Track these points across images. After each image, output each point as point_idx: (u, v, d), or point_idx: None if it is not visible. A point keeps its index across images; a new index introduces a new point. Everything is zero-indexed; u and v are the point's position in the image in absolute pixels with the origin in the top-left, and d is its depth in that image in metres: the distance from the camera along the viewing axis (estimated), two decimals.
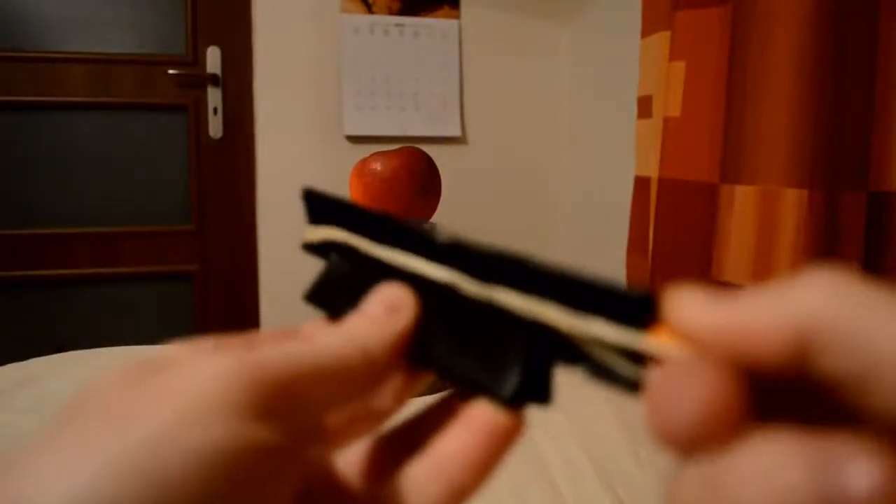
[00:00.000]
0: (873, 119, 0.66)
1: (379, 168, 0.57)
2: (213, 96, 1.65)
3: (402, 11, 1.66)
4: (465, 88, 1.73)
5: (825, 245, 0.67)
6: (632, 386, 0.15)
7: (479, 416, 0.17)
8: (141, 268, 1.67)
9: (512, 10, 1.74)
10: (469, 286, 0.18)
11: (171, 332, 1.77)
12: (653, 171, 0.96)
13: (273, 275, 1.70)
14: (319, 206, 0.22)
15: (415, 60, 1.68)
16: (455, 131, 1.71)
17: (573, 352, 0.16)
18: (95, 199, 1.63)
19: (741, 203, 0.74)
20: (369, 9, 1.65)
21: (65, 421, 0.15)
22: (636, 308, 0.15)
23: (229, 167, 1.69)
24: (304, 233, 0.23)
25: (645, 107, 0.99)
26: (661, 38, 0.92)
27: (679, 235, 0.85)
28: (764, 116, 0.71)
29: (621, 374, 0.15)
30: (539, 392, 0.17)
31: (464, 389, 0.18)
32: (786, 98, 0.69)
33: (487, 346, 0.17)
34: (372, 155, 0.59)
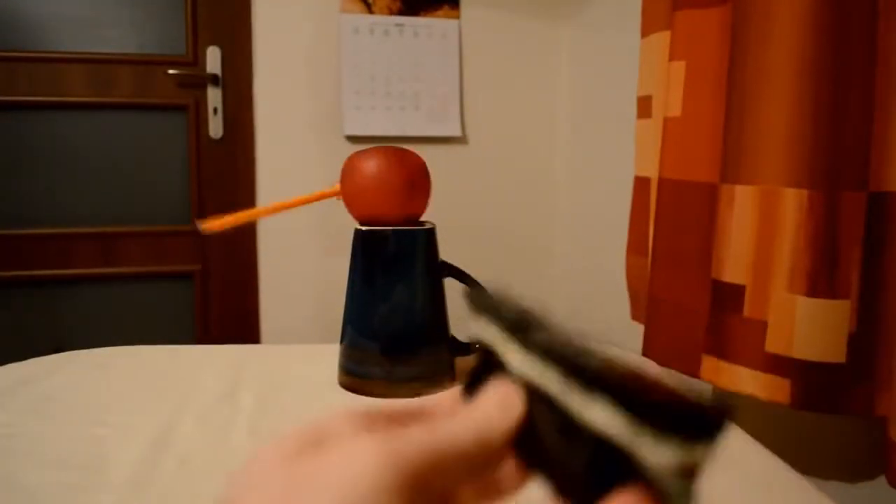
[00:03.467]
0: (873, 119, 0.66)
1: (367, 166, 0.57)
2: (213, 96, 1.65)
3: (402, 11, 1.66)
4: (465, 88, 1.73)
5: (825, 245, 0.67)
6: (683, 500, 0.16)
7: None
8: (141, 268, 1.67)
9: (512, 10, 1.74)
10: (555, 389, 0.19)
11: (171, 332, 1.78)
12: (653, 171, 0.96)
13: (273, 275, 1.70)
14: (477, 303, 0.25)
15: (415, 60, 1.68)
16: (455, 131, 1.71)
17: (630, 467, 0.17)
18: (95, 199, 1.63)
19: (741, 203, 0.74)
20: (369, 9, 1.65)
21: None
22: (705, 428, 0.16)
23: (229, 167, 1.69)
24: (470, 327, 0.25)
25: (645, 107, 0.99)
26: (661, 38, 0.92)
27: (679, 235, 0.85)
28: (764, 116, 0.71)
29: (673, 492, 0.17)
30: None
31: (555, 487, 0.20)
32: (786, 98, 0.69)
33: (565, 453, 0.19)
34: (357, 153, 0.59)
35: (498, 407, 0.21)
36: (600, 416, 0.18)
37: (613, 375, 0.18)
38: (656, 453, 0.17)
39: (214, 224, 0.60)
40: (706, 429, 0.16)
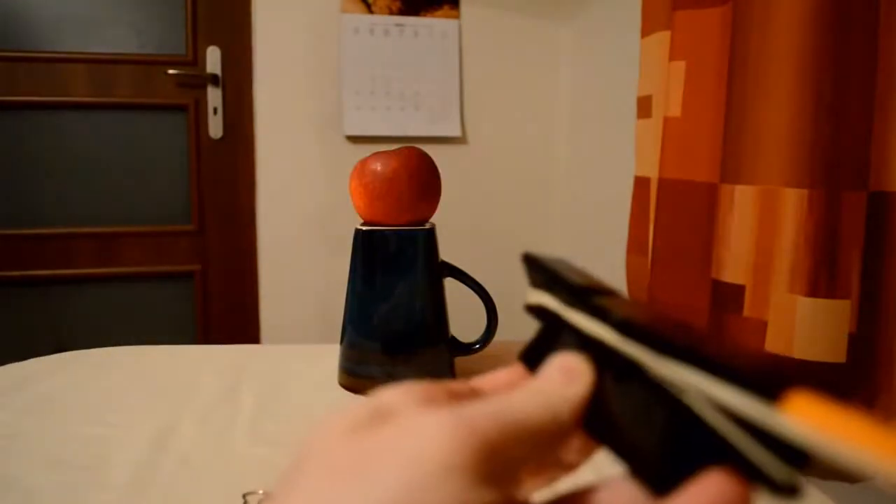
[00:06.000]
0: (873, 119, 0.66)
1: (379, 168, 0.57)
2: (213, 96, 1.65)
3: (402, 11, 1.66)
4: (465, 88, 1.73)
5: (825, 245, 0.67)
6: (788, 490, 0.14)
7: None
8: (141, 268, 1.67)
9: (512, 10, 1.74)
10: (650, 364, 0.18)
11: (171, 332, 1.78)
12: (653, 171, 0.96)
13: (273, 275, 1.70)
14: (536, 270, 0.23)
15: (415, 60, 1.68)
16: (455, 131, 1.71)
17: (724, 448, 0.15)
18: (95, 199, 1.63)
19: (741, 203, 0.74)
20: (369, 9, 1.65)
21: (295, 478, 0.16)
22: (770, 388, 0.14)
23: (229, 167, 1.69)
24: (526, 295, 0.24)
25: (645, 107, 0.99)
26: (661, 38, 0.92)
27: (679, 235, 0.85)
28: (764, 116, 0.71)
29: (774, 476, 0.15)
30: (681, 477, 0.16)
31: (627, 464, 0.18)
32: (786, 98, 0.69)
33: (640, 427, 0.18)
34: (372, 155, 0.59)
35: (565, 377, 0.19)
36: (692, 384, 0.16)
37: (693, 345, 0.16)
38: (762, 431, 0.14)
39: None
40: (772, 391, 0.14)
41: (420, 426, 0.16)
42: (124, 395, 0.58)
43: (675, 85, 0.85)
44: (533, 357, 0.22)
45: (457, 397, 0.19)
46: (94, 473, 0.44)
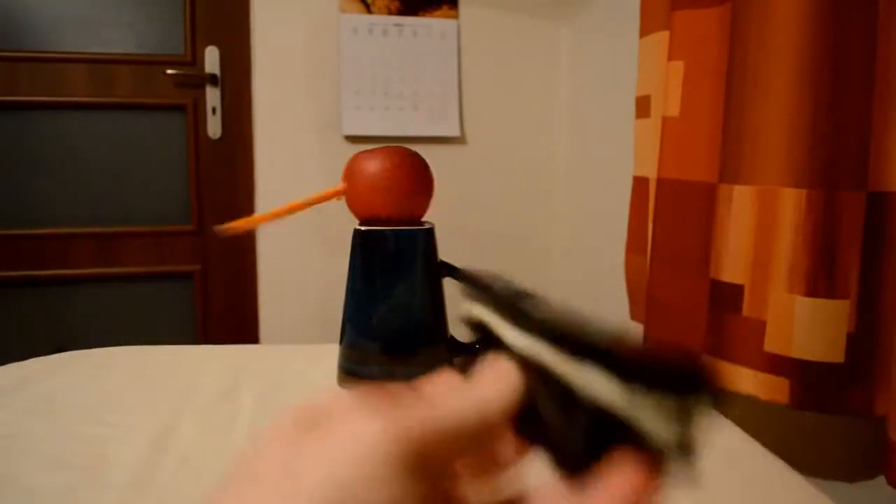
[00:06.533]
0: (873, 119, 0.66)
1: (369, 167, 0.57)
2: (212, 96, 1.65)
3: (402, 11, 1.66)
4: (464, 88, 1.73)
5: (824, 245, 0.68)
6: (683, 451, 0.17)
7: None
8: (141, 268, 1.67)
9: (511, 10, 1.74)
10: (549, 361, 0.20)
11: (171, 332, 1.77)
12: (651, 171, 0.96)
13: (273, 275, 1.70)
14: (469, 285, 0.26)
15: (414, 60, 1.68)
16: (454, 131, 1.71)
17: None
18: (95, 199, 1.63)
19: (740, 203, 0.74)
20: (368, 9, 1.65)
21: (233, 485, 0.17)
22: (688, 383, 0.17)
23: (228, 167, 1.69)
24: (462, 308, 0.26)
25: (644, 106, 0.99)
26: (660, 38, 0.92)
27: (678, 235, 0.85)
28: (763, 116, 0.71)
29: (671, 450, 0.17)
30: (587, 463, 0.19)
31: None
32: (785, 98, 0.69)
33: (562, 424, 0.20)
34: (362, 153, 0.59)
35: (495, 381, 0.21)
36: (593, 382, 0.18)
37: (602, 344, 0.19)
38: (651, 414, 0.17)
39: (234, 226, 0.59)
40: (696, 385, 0.17)
41: (353, 426, 0.17)
42: (124, 395, 0.58)
43: (673, 85, 0.85)
44: (467, 365, 0.24)
45: (394, 400, 0.20)
46: (94, 473, 0.44)
